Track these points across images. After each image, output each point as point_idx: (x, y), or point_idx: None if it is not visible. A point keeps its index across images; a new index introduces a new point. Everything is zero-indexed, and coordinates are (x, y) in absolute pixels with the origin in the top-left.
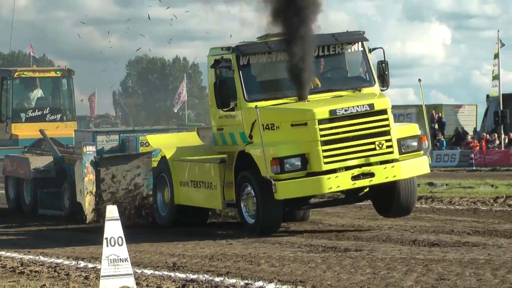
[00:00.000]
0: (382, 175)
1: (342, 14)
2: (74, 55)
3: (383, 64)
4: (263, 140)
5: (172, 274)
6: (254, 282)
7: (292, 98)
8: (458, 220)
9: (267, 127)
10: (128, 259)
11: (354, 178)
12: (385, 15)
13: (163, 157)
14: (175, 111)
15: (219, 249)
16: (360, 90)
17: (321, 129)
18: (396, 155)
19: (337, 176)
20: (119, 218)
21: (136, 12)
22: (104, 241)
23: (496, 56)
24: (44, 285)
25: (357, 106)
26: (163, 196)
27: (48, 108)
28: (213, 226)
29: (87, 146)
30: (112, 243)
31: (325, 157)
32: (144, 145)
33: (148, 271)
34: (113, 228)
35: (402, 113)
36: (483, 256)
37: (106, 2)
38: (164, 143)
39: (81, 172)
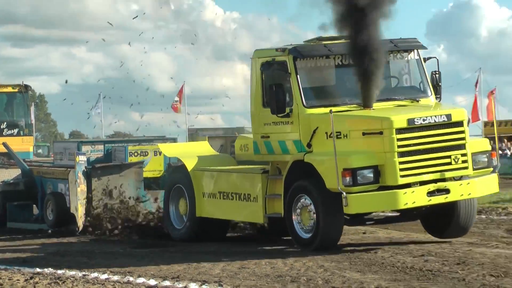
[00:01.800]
0: (458, 192)
1: (162, 55)
2: None
3: (437, 75)
4: (328, 149)
5: (21, 268)
6: (91, 273)
7: (352, 105)
8: None
9: (331, 135)
10: None
11: (430, 194)
12: (198, 55)
13: (180, 167)
14: None
15: (62, 246)
16: (418, 101)
17: (398, 139)
18: (471, 171)
19: (413, 191)
20: None
21: None
22: None
23: None
24: None
25: (435, 116)
26: (177, 208)
27: (5, 123)
28: None
29: (79, 156)
30: None
31: (401, 170)
32: (132, 155)
33: (1, 266)
34: None
35: (212, 134)
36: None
37: None
38: (179, 152)
39: (75, 182)
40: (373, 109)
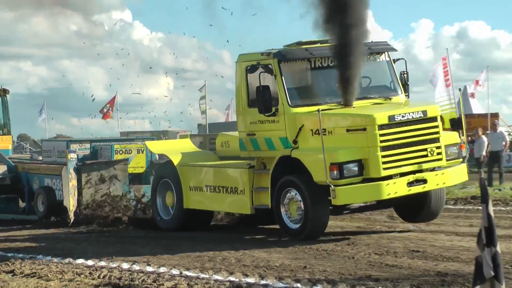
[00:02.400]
0: (434, 181)
1: (97, 68)
2: None
3: (405, 74)
4: (313, 145)
5: None
6: (36, 255)
7: (333, 104)
8: None
9: (316, 132)
10: None
11: (409, 184)
12: (128, 69)
13: (167, 163)
14: None
15: (11, 234)
16: (390, 98)
17: (380, 135)
18: (444, 162)
19: (395, 182)
20: None
21: None
22: None
23: (203, 97)
24: None
25: (412, 113)
26: (163, 200)
27: None
28: None
29: (70, 153)
30: None
31: (383, 163)
32: (118, 153)
33: None
34: None
35: (140, 136)
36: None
37: None
38: (165, 149)
39: (67, 177)
40: (353, 107)
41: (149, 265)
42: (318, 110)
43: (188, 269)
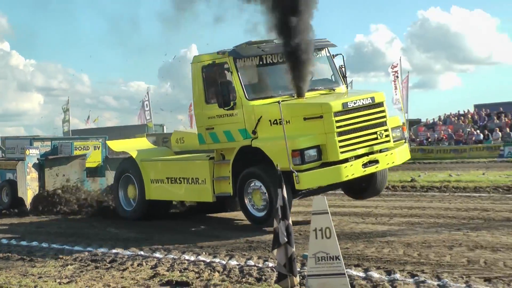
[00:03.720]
0: (385, 161)
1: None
2: None
3: (343, 68)
4: (272, 135)
5: None
6: None
7: (285, 96)
8: None
9: (274, 122)
10: None
11: (364, 165)
12: (7, 88)
13: (128, 158)
14: None
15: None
16: (334, 89)
17: (336, 121)
18: (392, 143)
19: (351, 165)
20: None
21: None
22: None
23: (67, 110)
24: None
25: (363, 99)
26: (125, 193)
27: None
28: None
29: (30, 150)
30: None
31: (340, 147)
32: (77, 149)
33: None
34: None
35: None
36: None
37: None
38: (125, 147)
39: (24, 171)
40: (305, 98)
41: (23, 240)
42: (278, 102)
43: (54, 243)
